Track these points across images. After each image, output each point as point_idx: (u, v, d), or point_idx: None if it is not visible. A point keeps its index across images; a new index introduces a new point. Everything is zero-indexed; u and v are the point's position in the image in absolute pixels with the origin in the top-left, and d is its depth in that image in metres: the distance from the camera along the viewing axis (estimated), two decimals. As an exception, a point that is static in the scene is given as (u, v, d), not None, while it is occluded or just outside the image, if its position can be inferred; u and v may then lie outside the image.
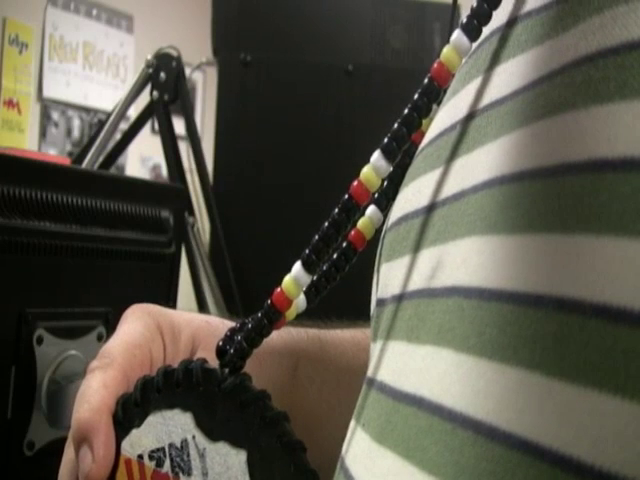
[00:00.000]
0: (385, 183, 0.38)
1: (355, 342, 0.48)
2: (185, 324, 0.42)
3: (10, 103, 3.60)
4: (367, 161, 0.31)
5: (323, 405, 0.46)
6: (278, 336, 0.45)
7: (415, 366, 0.26)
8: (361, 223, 0.36)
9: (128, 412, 0.36)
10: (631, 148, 0.19)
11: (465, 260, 0.24)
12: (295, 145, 1.54)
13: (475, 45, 0.30)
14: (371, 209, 0.37)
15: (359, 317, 0.49)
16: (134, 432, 0.36)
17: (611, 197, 0.19)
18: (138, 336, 0.39)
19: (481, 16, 0.28)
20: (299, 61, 1.55)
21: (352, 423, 0.32)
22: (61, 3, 3.85)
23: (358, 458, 0.28)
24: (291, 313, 0.36)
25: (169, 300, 0.89)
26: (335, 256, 0.37)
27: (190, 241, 1.45)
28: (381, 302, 0.33)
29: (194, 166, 1.53)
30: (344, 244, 0.36)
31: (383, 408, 0.28)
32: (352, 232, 0.36)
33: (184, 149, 1.55)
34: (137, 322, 0.40)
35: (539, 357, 0.20)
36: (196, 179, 1.52)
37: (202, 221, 1.53)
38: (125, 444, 0.36)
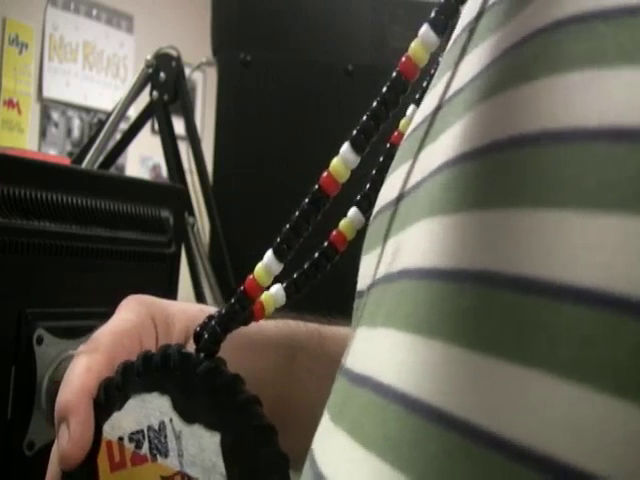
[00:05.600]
0: (367, 186, 0.39)
1: None
2: (179, 314, 0.43)
3: (10, 103, 3.60)
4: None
5: (321, 394, 0.46)
6: (276, 328, 0.45)
7: (368, 349, 0.27)
8: (342, 224, 0.37)
9: (110, 396, 0.37)
10: (548, 121, 0.19)
11: (415, 243, 0.25)
12: (295, 145, 1.54)
13: (451, 41, 0.30)
14: (352, 211, 0.38)
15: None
16: (115, 415, 0.37)
17: (527, 170, 0.19)
18: (129, 325, 0.40)
19: (448, 11, 0.29)
20: (299, 61, 1.55)
21: None
22: (61, 3, 3.85)
23: (319, 438, 0.29)
24: (269, 307, 0.37)
25: (169, 300, 0.89)
26: (316, 255, 0.38)
27: (190, 241, 1.45)
28: (360, 294, 0.34)
29: (194, 166, 1.53)
30: (325, 244, 0.38)
31: (342, 391, 0.28)
32: (334, 233, 0.37)
33: (184, 149, 1.55)
34: (130, 312, 0.41)
35: (456, 330, 0.20)
36: (196, 179, 1.52)
37: (202, 221, 1.53)
38: (107, 427, 0.37)
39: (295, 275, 0.39)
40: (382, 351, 0.25)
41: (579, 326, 0.17)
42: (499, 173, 0.20)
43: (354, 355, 0.29)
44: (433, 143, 0.27)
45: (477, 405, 0.19)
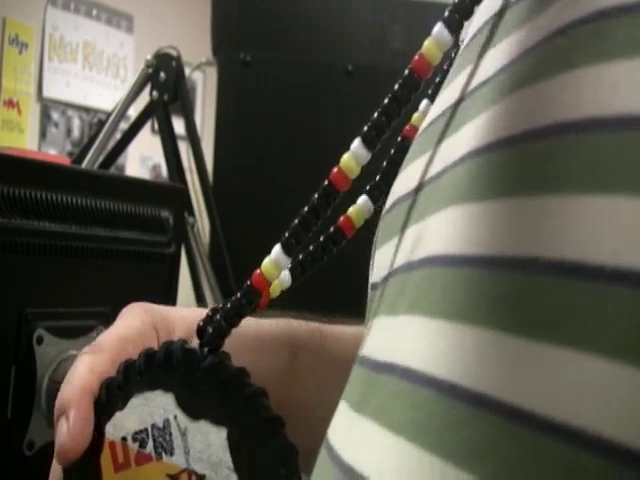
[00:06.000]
0: (378, 176, 0.39)
1: (357, 337, 0.48)
2: (180, 320, 0.43)
3: (10, 103, 3.60)
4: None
5: (323, 392, 0.46)
6: (277, 327, 0.45)
7: (391, 336, 0.27)
8: (352, 210, 0.37)
9: (111, 395, 0.36)
10: (593, 109, 0.19)
11: (440, 230, 0.25)
12: (295, 145, 1.54)
13: (469, 37, 0.30)
14: (362, 199, 0.38)
15: (362, 314, 0.49)
16: (117, 415, 0.36)
17: (572, 157, 0.19)
18: (132, 331, 0.40)
19: (462, 10, 0.29)
20: (299, 61, 1.55)
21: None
22: (61, 3, 3.85)
23: (337, 428, 0.29)
24: (275, 289, 0.37)
25: (169, 300, 0.89)
26: (323, 238, 0.38)
27: (190, 241, 1.45)
28: (375, 286, 0.34)
29: (194, 166, 1.53)
30: (332, 229, 0.37)
31: (362, 379, 0.28)
32: (342, 218, 0.37)
33: (184, 149, 1.55)
34: (132, 318, 0.41)
35: (496, 315, 0.20)
36: (196, 179, 1.52)
37: (202, 221, 1.53)
38: (109, 427, 0.36)
39: (300, 257, 0.39)
40: (409, 338, 0.24)
41: (628, 308, 0.17)
42: (538, 160, 0.20)
43: (373, 344, 0.29)
44: (454, 134, 0.27)
45: (524, 389, 0.19)
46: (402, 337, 0.25)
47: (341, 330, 0.49)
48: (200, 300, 1.46)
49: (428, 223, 0.26)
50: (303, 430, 0.35)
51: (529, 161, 0.21)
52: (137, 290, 0.86)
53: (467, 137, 0.25)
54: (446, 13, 0.30)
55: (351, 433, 0.27)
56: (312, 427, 0.42)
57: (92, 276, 0.80)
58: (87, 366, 0.37)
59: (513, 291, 0.20)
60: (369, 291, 0.36)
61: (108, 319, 0.79)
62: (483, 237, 0.22)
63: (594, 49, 0.20)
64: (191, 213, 1.47)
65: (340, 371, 0.46)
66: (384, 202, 0.36)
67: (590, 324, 0.18)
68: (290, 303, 0.41)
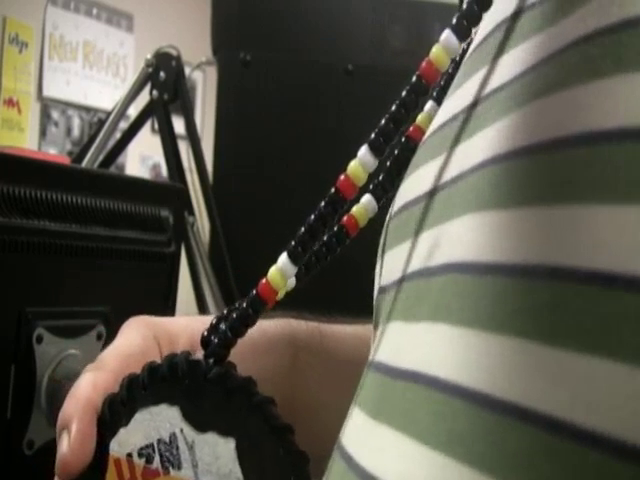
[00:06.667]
0: (382, 177, 0.38)
1: (357, 336, 0.48)
2: (182, 331, 0.42)
3: (10, 102, 3.60)
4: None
5: (323, 392, 0.46)
6: (278, 327, 0.45)
7: (411, 343, 0.26)
8: (355, 209, 0.37)
9: (115, 412, 0.36)
10: (625, 118, 0.19)
11: (460, 237, 0.24)
12: (295, 144, 1.54)
13: (479, 39, 0.30)
14: (366, 198, 0.37)
15: (361, 314, 0.49)
16: (122, 431, 0.36)
17: (605, 167, 0.19)
18: (134, 347, 0.39)
19: (470, 17, 0.29)
20: (299, 61, 1.55)
21: (351, 406, 0.32)
22: (61, 2, 3.85)
23: (353, 435, 0.29)
24: (279, 295, 0.37)
25: (168, 299, 0.89)
26: (327, 237, 0.37)
27: (190, 240, 1.45)
28: (383, 289, 0.34)
29: (194, 165, 1.53)
30: (336, 228, 0.37)
31: (379, 386, 0.28)
32: (345, 217, 0.37)
33: (184, 148, 1.55)
34: (134, 333, 0.41)
35: (532, 325, 0.20)
36: (196, 178, 1.52)
37: (202, 220, 1.53)
38: (113, 444, 0.36)
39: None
40: (432, 346, 0.24)
41: None
42: (568, 169, 0.20)
43: (391, 350, 0.28)
44: (470, 139, 0.27)
45: (564, 401, 0.19)
46: (424, 345, 0.25)
47: (340, 329, 0.49)
48: (200, 300, 1.46)
49: (446, 229, 0.26)
50: (307, 431, 0.35)
51: (559, 169, 0.20)
52: (137, 289, 0.86)
53: (485, 143, 0.24)
54: (454, 20, 0.29)
55: (371, 441, 0.27)
56: (314, 427, 0.41)
57: (92, 275, 0.80)
58: (89, 383, 0.37)
59: (545, 300, 0.20)
60: (376, 294, 0.36)
61: (108, 318, 0.79)
62: (508, 245, 0.21)
63: (623, 58, 0.20)
64: (191, 212, 1.47)
65: (340, 370, 0.47)
66: (387, 202, 0.36)
67: (627, 334, 0.18)
68: (289, 302, 0.41)
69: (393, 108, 0.30)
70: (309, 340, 0.47)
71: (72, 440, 0.35)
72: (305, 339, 0.46)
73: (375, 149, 0.31)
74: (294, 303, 0.43)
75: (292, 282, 0.38)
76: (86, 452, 0.35)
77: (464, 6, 0.29)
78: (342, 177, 0.32)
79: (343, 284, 1.26)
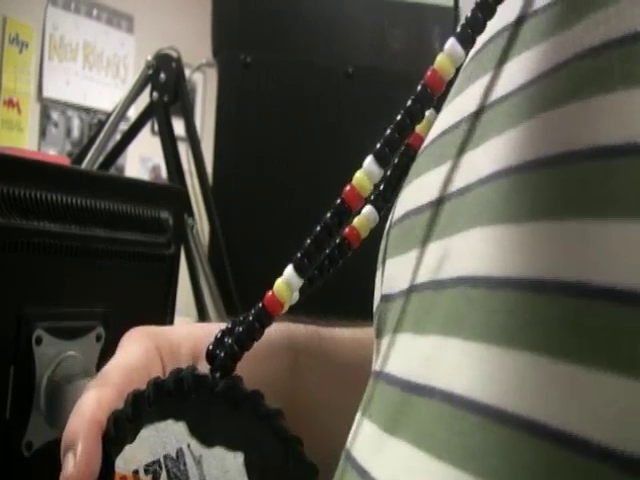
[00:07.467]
0: (382, 186, 0.38)
1: (355, 339, 0.48)
2: (183, 339, 0.42)
3: (10, 102, 3.60)
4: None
5: (323, 394, 0.46)
6: (277, 331, 0.45)
7: (422, 356, 0.26)
8: (357, 221, 0.37)
9: (120, 428, 0.35)
10: (636, 133, 0.19)
11: (471, 251, 0.24)
12: (295, 147, 1.54)
13: (479, 45, 0.30)
14: (367, 209, 0.37)
15: (358, 317, 0.49)
16: (127, 448, 0.35)
17: (617, 182, 0.19)
18: (136, 360, 0.39)
19: (475, 25, 0.29)
20: (299, 63, 1.55)
21: (358, 416, 0.32)
22: (61, 3, 3.85)
23: (366, 448, 0.29)
24: (284, 308, 0.37)
25: (168, 301, 0.89)
26: (329, 250, 0.37)
27: (189, 242, 1.45)
28: (386, 298, 0.33)
29: (194, 167, 1.53)
30: (338, 240, 0.37)
31: (391, 399, 0.28)
32: (347, 229, 0.36)
33: (184, 150, 1.56)
34: (135, 345, 0.40)
35: (545, 340, 0.20)
36: (195, 180, 1.52)
37: (201, 222, 1.53)
38: (119, 461, 0.35)
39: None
40: (446, 361, 0.24)
41: None
42: (581, 183, 0.20)
43: (402, 363, 0.28)
44: (475, 149, 0.26)
45: (575, 415, 0.19)
46: (437, 359, 0.25)
47: (338, 332, 0.49)
48: (199, 301, 1.46)
49: (455, 241, 0.26)
50: (307, 433, 0.35)
51: (571, 184, 0.20)
52: (136, 291, 0.86)
53: (493, 154, 0.24)
54: (459, 28, 0.29)
55: (385, 455, 0.27)
56: (314, 429, 0.41)
57: (91, 276, 0.80)
58: (94, 399, 0.36)
59: (557, 315, 0.20)
60: (377, 301, 0.36)
61: (107, 320, 0.79)
62: (520, 259, 0.21)
63: (632, 72, 0.20)
64: (190, 214, 1.47)
65: (339, 373, 0.47)
66: (387, 210, 0.36)
67: (639, 350, 0.18)
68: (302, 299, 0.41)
69: (398, 117, 0.30)
70: (308, 343, 0.47)
71: (78, 460, 0.35)
72: (304, 342, 0.46)
73: (380, 159, 0.31)
74: (291, 306, 0.43)
75: (296, 295, 0.38)
76: (92, 471, 0.35)
77: (468, 14, 0.29)
78: (348, 188, 0.31)
79: (339, 289, 1.26)
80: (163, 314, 0.86)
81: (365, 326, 0.48)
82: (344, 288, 1.09)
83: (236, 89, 1.57)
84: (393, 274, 0.33)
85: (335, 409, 0.43)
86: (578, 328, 0.19)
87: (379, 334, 0.34)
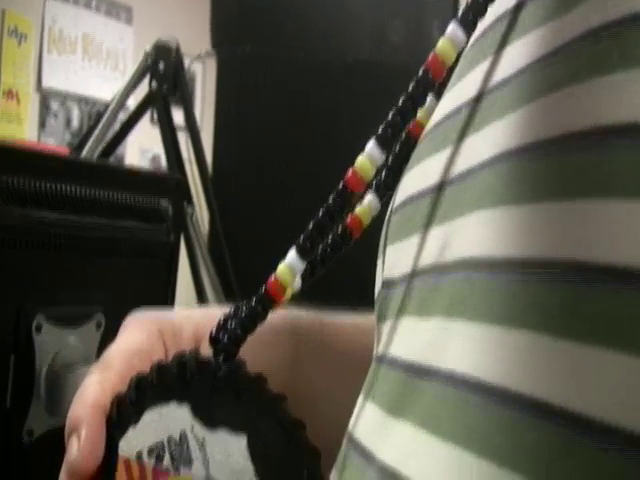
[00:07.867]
0: (384, 173, 0.38)
1: (356, 325, 0.48)
2: (185, 322, 0.42)
3: (9, 94, 3.59)
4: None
5: (324, 382, 0.46)
6: (279, 317, 0.45)
7: (426, 339, 0.26)
8: (359, 210, 0.37)
9: (123, 412, 0.35)
10: (636, 114, 0.19)
11: (473, 234, 0.24)
12: (293, 137, 1.54)
13: (480, 31, 0.30)
14: (369, 197, 0.37)
15: (360, 303, 0.49)
16: (131, 431, 0.35)
17: (616, 162, 0.19)
18: (138, 344, 0.39)
19: (476, 10, 0.29)
20: (298, 55, 1.55)
21: (360, 398, 0.32)
22: (60, -6, 3.85)
23: (370, 430, 0.29)
24: (287, 292, 0.37)
25: (168, 288, 0.89)
26: (331, 239, 0.37)
27: (189, 231, 1.46)
28: (388, 283, 0.34)
29: (193, 156, 1.53)
30: (340, 229, 0.37)
31: (395, 381, 0.28)
32: (349, 218, 0.36)
33: (183, 140, 1.55)
34: (137, 330, 0.40)
35: (546, 319, 0.20)
36: (195, 169, 1.52)
37: (201, 211, 1.53)
38: (122, 444, 0.35)
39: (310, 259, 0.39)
40: (449, 342, 0.24)
41: None
42: (582, 164, 0.20)
43: (405, 346, 0.28)
44: (476, 133, 0.27)
45: (577, 393, 0.19)
46: (441, 341, 0.25)
47: (340, 319, 0.49)
48: (199, 288, 1.46)
49: (457, 225, 0.26)
50: (308, 421, 0.35)
51: (571, 165, 0.21)
52: (136, 279, 0.86)
53: (493, 138, 0.24)
54: (460, 12, 0.29)
55: (390, 437, 0.27)
56: (315, 417, 0.41)
57: (91, 265, 0.80)
58: (96, 384, 0.36)
59: (559, 294, 0.20)
60: (379, 286, 0.36)
61: (107, 308, 0.79)
62: (522, 240, 0.21)
63: (630, 54, 0.20)
64: (190, 203, 1.47)
65: (341, 360, 0.47)
66: (388, 199, 0.36)
67: None
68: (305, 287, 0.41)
69: (400, 102, 0.30)
70: (310, 329, 0.47)
71: (82, 444, 0.35)
72: (306, 328, 0.46)
73: (383, 143, 0.31)
74: (293, 295, 0.43)
75: (298, 283, 0.38)
76: (96, 456, 0.35)
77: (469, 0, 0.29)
78: (350, 172, 0.31)
79: (340, 278, 1.26)
80: (163, 302, 0.86)
81: (366, 312, 0.48)
82: (346, 277, 1.09)
83: (235, 80, 1.57)
84: (395, 260, 0.33)
85: (336, 399, 0.43)
86: (580, 307, 0.19)
87: (381, 319, 0.34)
